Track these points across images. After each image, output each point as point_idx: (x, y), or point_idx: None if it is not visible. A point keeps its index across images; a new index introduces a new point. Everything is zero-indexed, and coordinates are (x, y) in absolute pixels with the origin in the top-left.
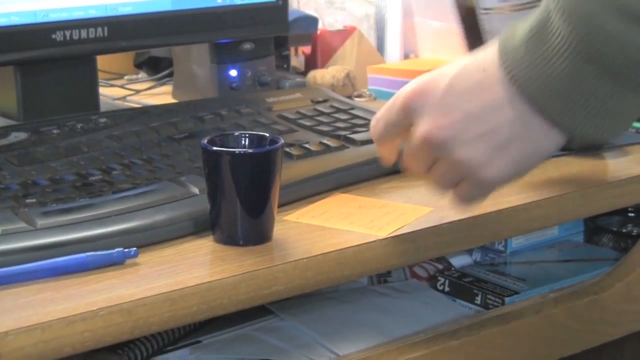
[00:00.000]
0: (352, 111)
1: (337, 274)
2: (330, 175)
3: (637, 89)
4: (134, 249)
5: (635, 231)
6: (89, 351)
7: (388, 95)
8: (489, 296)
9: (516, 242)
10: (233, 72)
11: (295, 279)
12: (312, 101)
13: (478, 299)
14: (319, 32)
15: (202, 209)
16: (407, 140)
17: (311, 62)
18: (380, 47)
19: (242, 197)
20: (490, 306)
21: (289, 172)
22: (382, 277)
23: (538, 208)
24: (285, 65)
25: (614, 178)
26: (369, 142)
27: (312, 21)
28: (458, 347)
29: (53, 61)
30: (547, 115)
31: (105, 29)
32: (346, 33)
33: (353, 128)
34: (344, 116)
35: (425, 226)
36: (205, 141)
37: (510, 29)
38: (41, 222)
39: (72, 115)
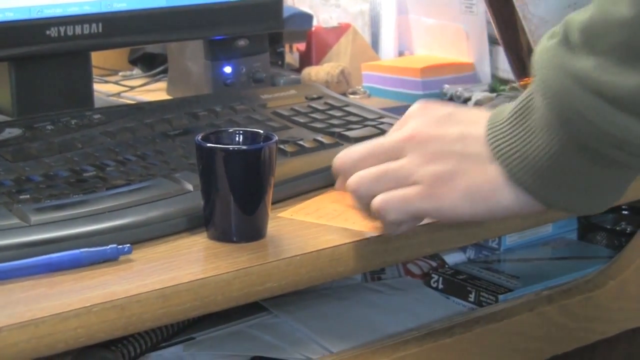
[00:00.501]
0: (347, 108)
1: (330, 271)
2: (324, 172)
3: (614, 164)
4: (128, 245)
5: (629, 229)
6: (83, 347)
7: (382, 92)
8: (482, 293)
9: (510, 240)
10: (227, 69)
11: (289, 275)
12: (306, 98)
13: (472, 297)
14: (313, 28)
15: (196, 205)
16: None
17: (306, 59)
18: (375, 44)
19: (236, 194)
20: (484, 303)
21: (283, 168)
22: (376, 274)
23: None
24: (279, 62)
25: None
26: (362, 138)
27: (307, 18)
28: (452, 344)
29: (47, 57)
30: (522, 186)
31: (100, 25)
32: (341, 30)
33: (347, 125)
34: (338, 113)
35: (419, 223)
36: (200, 138)
37: (499, 108)
38: (35, 218)
39: (67, 111)
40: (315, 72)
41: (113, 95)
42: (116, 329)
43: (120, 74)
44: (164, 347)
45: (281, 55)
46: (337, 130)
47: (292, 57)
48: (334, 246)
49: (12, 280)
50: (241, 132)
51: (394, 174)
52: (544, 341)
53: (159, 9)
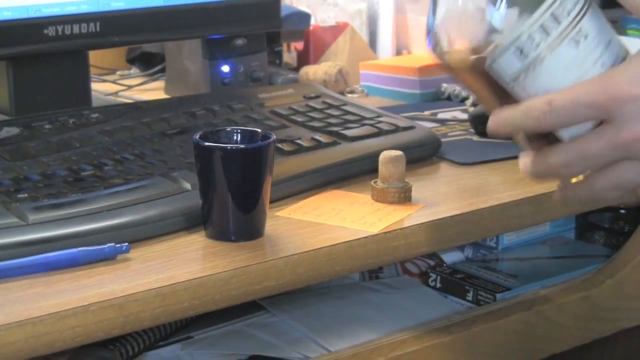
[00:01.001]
0: (344, 107)
1: (328, 270)
2: (322, 171)
3: None
4: (126, 244)
5: (626, 228)
6: (81, 346)
7: (380, 91)
8: (480, 292)
9: (508, 239)
10: (225, 68)
11: (287, 274)
12: (304, 97)
13: (469, 295)
14: (311, 28)
15: (194, 204)
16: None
17: (303, 58)
18: (373, 43)
19: (234, 193)
20: (482, 302)
21: (280, 167)
22: (373, 273)
23: (529, 204)
24: (277, 61)
25: None
26: (360, 138)
27: (305, 17)
28: (449, 343)
29: (45, 56)
30: None
31: (98, 24)
32: (339, 29)
33: (345, 124)
34: (336, 112)
35: (417, 222)
36: (197, 137)
37: None
38: (33, 217)
39: (64, 110)
40: (313, 71)
41: (111, 94)
42: (114, 328)
43: (118, 73)
44: (162, 346)
45: (279, 55)
46: (335, 129)
47: (289, 56)
48: (331, 245)
49: (10, 279)
50: (239, 131)
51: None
52: (542, 340)
53: (157, 8)
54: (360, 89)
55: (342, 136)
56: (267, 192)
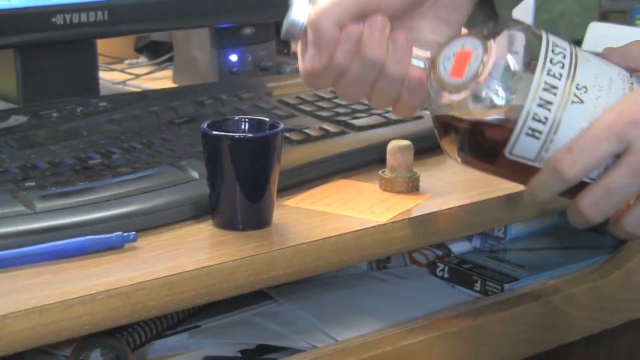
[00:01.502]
0: None
1: (336, 259)
2: (330, 161)
3: None
4: (133, 233)
5: None
6: (88, 335)
7: None
8: (488, 283)
9: (516, 229)
10: (233, 57)
11: (295, 264)
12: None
13: (477, 286)
14: None
15: (201, 193)
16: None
17: None
18: None
19: (242, 182)
20: (490, 293)
21: (288, 157)
22: (381, 263)
23: None
24: (285, 50)
25: None
26: (368, 127)
27: None
28: (457, 333)
29: (53, 45)
30: None
31: (106, 12)
32: None
33: (353, 113)
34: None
35: (425, 212)
36: (205, 125)
37: None
38: (40, 205)
39: (72, 99)
40: None
41: (119, 83)
42: (121, 317)
43: (126, 62)
44: (169, 335)
45: (287, 44)
46: (343, 118)
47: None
48: (339, 235)
49: (17, 267)
50: (247, 120)
51: None
52: (550, 331)
53: None
54: None
55: (350, 125)
56: (275, 181)
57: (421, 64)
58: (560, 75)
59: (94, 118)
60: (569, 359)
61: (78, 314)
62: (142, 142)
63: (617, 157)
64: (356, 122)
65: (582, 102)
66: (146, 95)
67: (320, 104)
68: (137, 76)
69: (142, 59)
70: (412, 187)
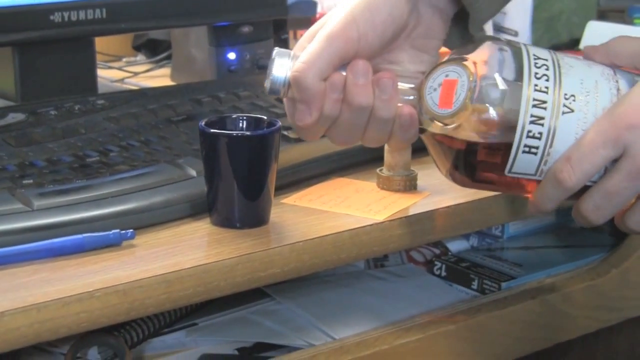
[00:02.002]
0: None
1: (333, 257)
2: (327, 159)
3: None
4: (131, 230)
5: None
6: (85, 332)
7: None
8: (485, 281)
9: (513, 227)
10: (231, 55)
11: (292, 262)
12: None
13: (474, 284)
14: (318, 15)
15: (199, 191)
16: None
17: None
18: None
19: (240, 180)
20: (487, 291)
21: (286, 155)
22: (378, 262)
23: None
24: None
25: None
26: None
27: (311, 4)
28: (454, 331)
29: (51, 42)
30: None
31: (104, 10)
32: None
33: None
34: None
35: (422, 210)
36: (203, 123)
37: None
38: (38, 203)
39: (70, 96)
40: None
41: (117, 81)
42: (119, 314)
43: (124, 59)
44: (167, 333)
45: (285, 42)
46: None
47: (296, 43)
48: (336, 233)
49: (15, 264)
50: (245, 118)
51: None
52: (547, 329)
53: None
54: None
55: None
56: (273, 179)
57: (409, 98)
58: (547, 88)
59: (91, 116)
60: (567, 357)
61: (75, 311)
62: (140, 140)
63: (615, 161)
64: None
65: (572, 110)
66: (144, 93)
67: None
68: (135, 74)
69: (140, 57)
70: (410, 185)
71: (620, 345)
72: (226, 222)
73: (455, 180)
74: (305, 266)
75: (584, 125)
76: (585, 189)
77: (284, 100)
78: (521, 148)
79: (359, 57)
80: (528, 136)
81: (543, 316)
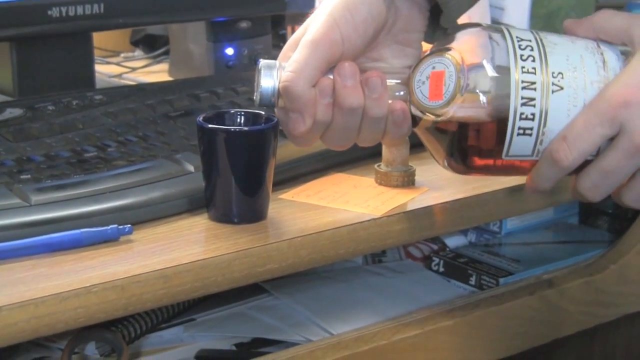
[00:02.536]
0: None
1: (331, 253)
2: (325, 154)
3: None
4: (129, 225)
5: (630, 213)
6: (83, 328)
7: None
8: (483, 277)
9: (511, 223)
10: (229, 51)
11: (290, 257)
12: None
13: (472, 280)
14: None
15: (197, 186)
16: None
17: None
18: None
19: (237, 175)
20: (485, 287)
21: (284, 150)
22: (376, 257)
23: None
24: (281, 44)
25: None
26: None
27: (309, 0)
28: (452, 327)
29: (49, 38)
30: None
31: (102, 5)
32: None
33: None
34: None
35: (420, 206)
36: (201, 119)
37: None
38: (35, 198)
39: (68, 92)
40: None
41: (114, 76)
42: (116, 310)
43: (122, 55)
44: (164, 328)
45: (283, 38)
46: None
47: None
48: (334, 228)
49: (13, 259)
50: (242, 113)
51: None
52: (545, 325)
53: None
54: None
55: None
56: (271, 174)
57: (399, 94)
58: (534, 69)
59: (89, 111)
60: (564, 353)
61: (73, 306)
62: (138, 135)
63: (611, 139)
64: None
65: (561, 88)
66: (142, 89)
67: None
68: (133, 69)
69: (138, 52)
70: (408, 181)
71: (618, 341)
72: (224, 217)
73: (452, 169)
74: (303, 262)
75: (575, 102)
76: (582, 167)
77: (276, 110)
78: (515, 131)
79: (345, 59)
80: (521, 118)
81: (541, 312)
